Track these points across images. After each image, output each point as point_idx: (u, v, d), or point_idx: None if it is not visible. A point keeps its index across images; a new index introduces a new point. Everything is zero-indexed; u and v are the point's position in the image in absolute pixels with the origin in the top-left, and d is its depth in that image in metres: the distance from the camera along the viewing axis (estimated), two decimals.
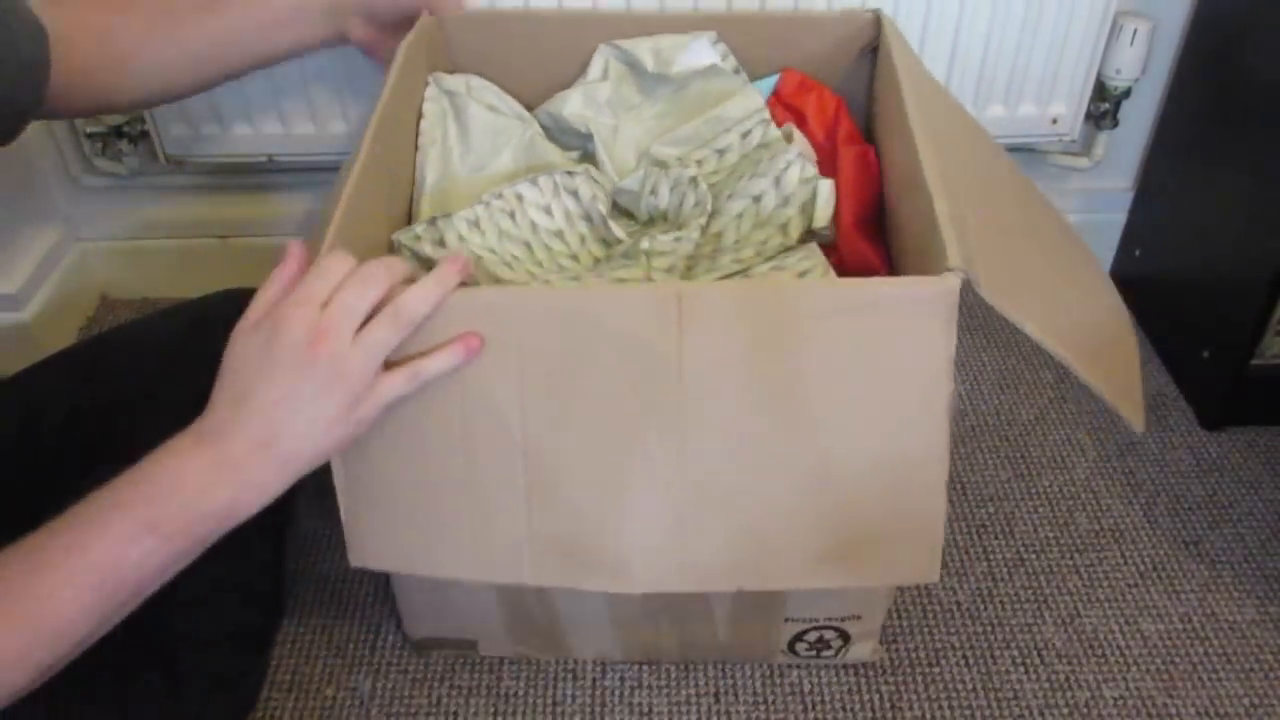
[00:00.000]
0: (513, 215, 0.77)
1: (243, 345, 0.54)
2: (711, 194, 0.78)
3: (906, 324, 0.56)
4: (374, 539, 0.62)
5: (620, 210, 0.83)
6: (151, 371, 0.74)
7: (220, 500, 0.52)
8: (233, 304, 0.80)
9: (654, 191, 0.79)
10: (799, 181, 0.76)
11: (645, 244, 0.74)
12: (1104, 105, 1.09)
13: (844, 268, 0.76)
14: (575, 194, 0.79)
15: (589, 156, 0.86)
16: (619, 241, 0.77)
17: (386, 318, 0.54)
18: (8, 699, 0.48)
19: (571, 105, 0.85)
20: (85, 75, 0.71)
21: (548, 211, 0.78)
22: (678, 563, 0.60)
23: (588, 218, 0.79)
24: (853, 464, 0.59)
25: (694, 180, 0.78)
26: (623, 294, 0.58)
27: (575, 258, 0.78)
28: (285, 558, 0.85)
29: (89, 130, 1.08)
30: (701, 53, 0.84)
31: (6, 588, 0.48)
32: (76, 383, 0.73)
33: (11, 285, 1.10)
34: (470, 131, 0.84)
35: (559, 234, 0.78)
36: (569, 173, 0.79)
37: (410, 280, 0.56)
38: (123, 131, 1.07)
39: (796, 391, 0.58)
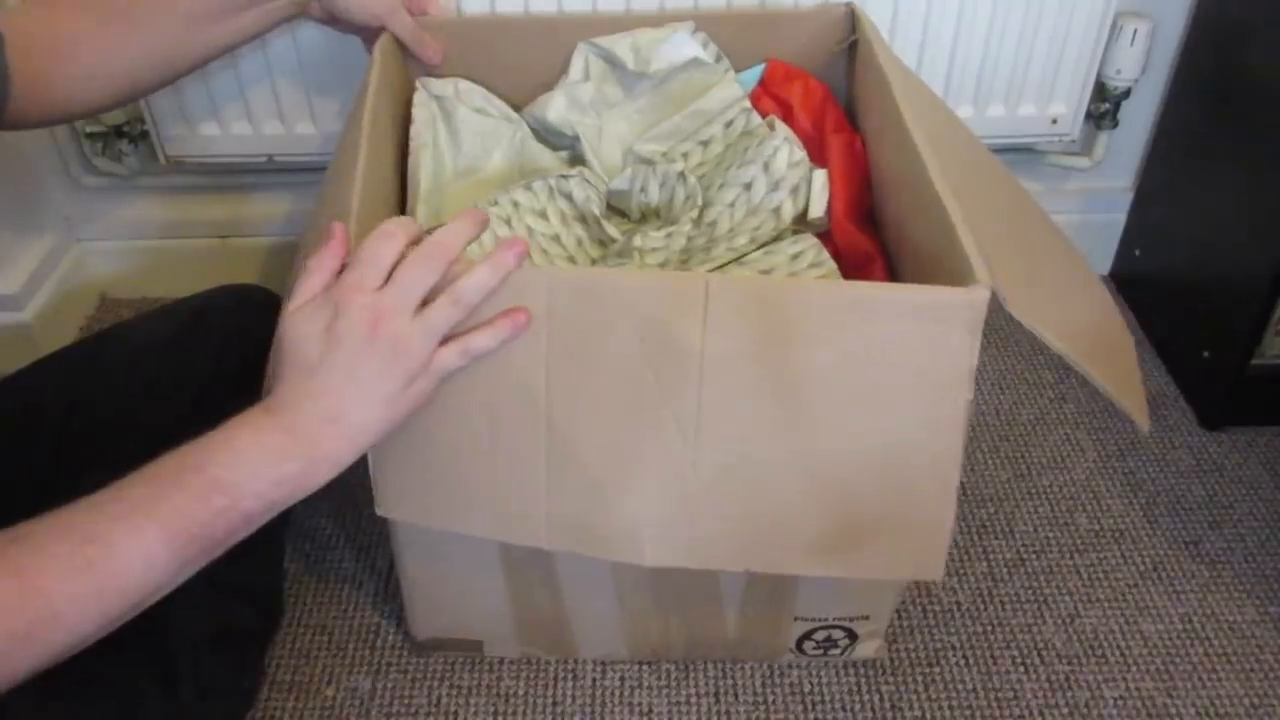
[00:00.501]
0: (509, 222, 0.77)
1: (299, 326, 0.54)
2: (701, 185, 0.78)
3: (932, 332, 0.56)
4: (401, 493, 0.64)
5: (615, 210, 0.83)
6: (151, 367, 0.74)
7: (291, 469, 0.53)
8: (233, 298, 0.81)
9: (644, 189, 0.80)
10: (788, 165, 0.76)
11: (638, 241, 0.74)
12: (1104, 105, 1.09)
13: (839, 255, 0.76)
14: (569, 197, 0.79)
15: (578, 156, 0.86)
16: (614, 241, 0.77)
17: (445, 302, 0.55)
18: (77, 645, 0.49)
19: (555, 109, 0.85)
20: (42, 84, 0.68)
21: (543, 216, 0.78)
22: (687, 540, 0.61)
23: (583, 219, 0.79)
24: (867, 464, 0.59)
25: (681, 175, 0.78)
26: (652, 279, 0.59)
27: (573, 259, 0.78)
28: (284, 558, 0.85)
29: (89, 130, 1.08)
30: (683, 45, 0.84)
31: (79, 535, 0.49)
32: (76, 379, 0.74)
33: (11, 285, 1.10)
34: (460, 134, 0.84)
35: (555, 238, 0.79)
36: (564, 176, 0.79)
37: (468, 242, 0.57)
38: (123, 131, 1.07)
39: (817, 389, 0.58)
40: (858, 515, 0.61)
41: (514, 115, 0.87)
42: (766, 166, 0.76)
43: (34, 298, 1.12)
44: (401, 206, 0.81)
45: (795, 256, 0.73)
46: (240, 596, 0.74)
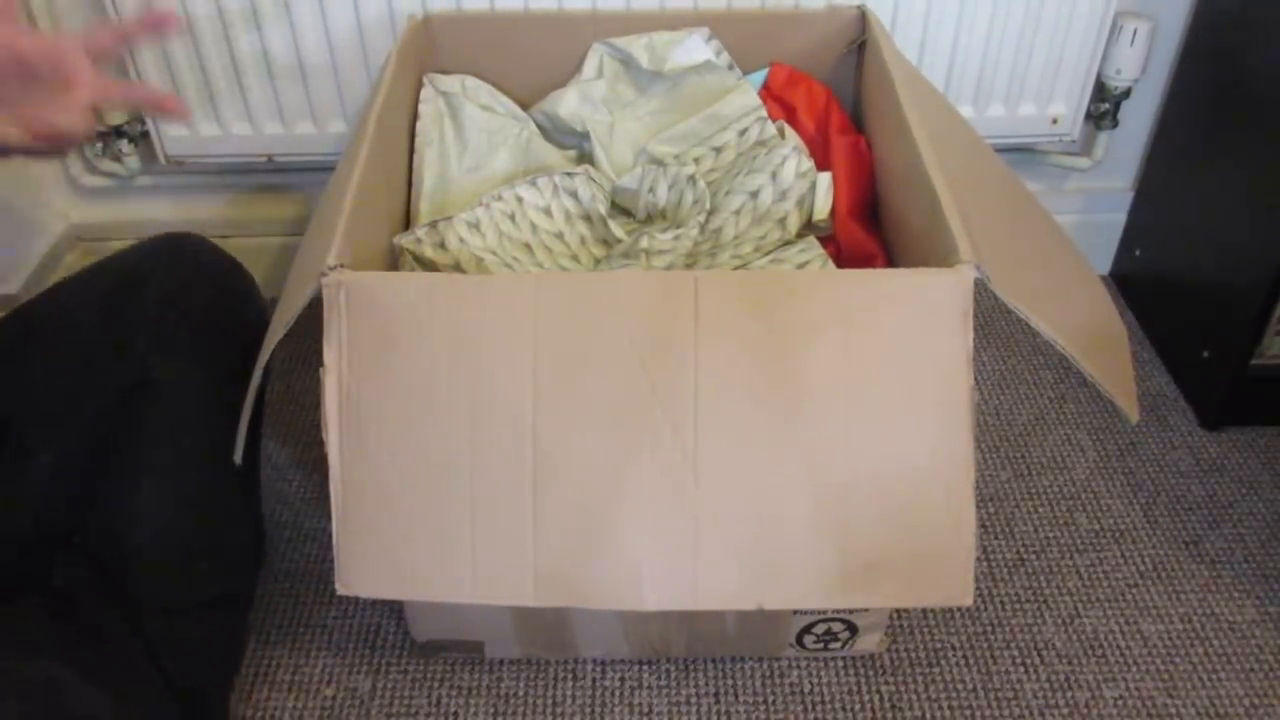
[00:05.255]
0: (513, 217, 0.77)
1: None
2: (710, 191, 0.78)
3: (923, 315, 0.56)
4: (368, 561, 0.60)
5: (619, 208, 0.83)
6: (87, 339, 0.70)
7: None
8: (165, 254, 0.74)
9: (652, 190, 0.79)
10: (796, 175, 0.76)
11: (645, 242, 0.74)
12: (1104, 105, 1.09)
13: (841, 256, 0.76)
14: (574, 195, 0.79)
15: (585, 155, 0.86)
16: (619, 241, 0.77)
17: None
18: None
19: (567, 104, 0.85)
20: None
21: (547, 213, 0.78)
22: (691, 576, 0.58)
23: (587, 218, 0.79)
24: (874, 466, 0.58)
25: (692, 178, 0.78)
26: (640, 280, 0.58)
27: (576, 258, 0.78)
28: (262, 516, 0.83)
29: None
30: (695, 49, 0.84)
31: None
32: (11, 361, 0.70)
33: (11, 285, 1.10)
34: (466, 132, 0.84)
35: (559, 235, 0.79)
36: (568, 174, 0.79)
37: None
38: (123, 131, 1.07)
39: (814, 387, 0.57)
40: (872, 531, 0.58)
41: (521, 113, 0.87)
42: (774, 175, 0.76)
43: None
44: (407, 202, 0.81)
45: (802, 266, 0.73)
46: (211, 564, 0.73)
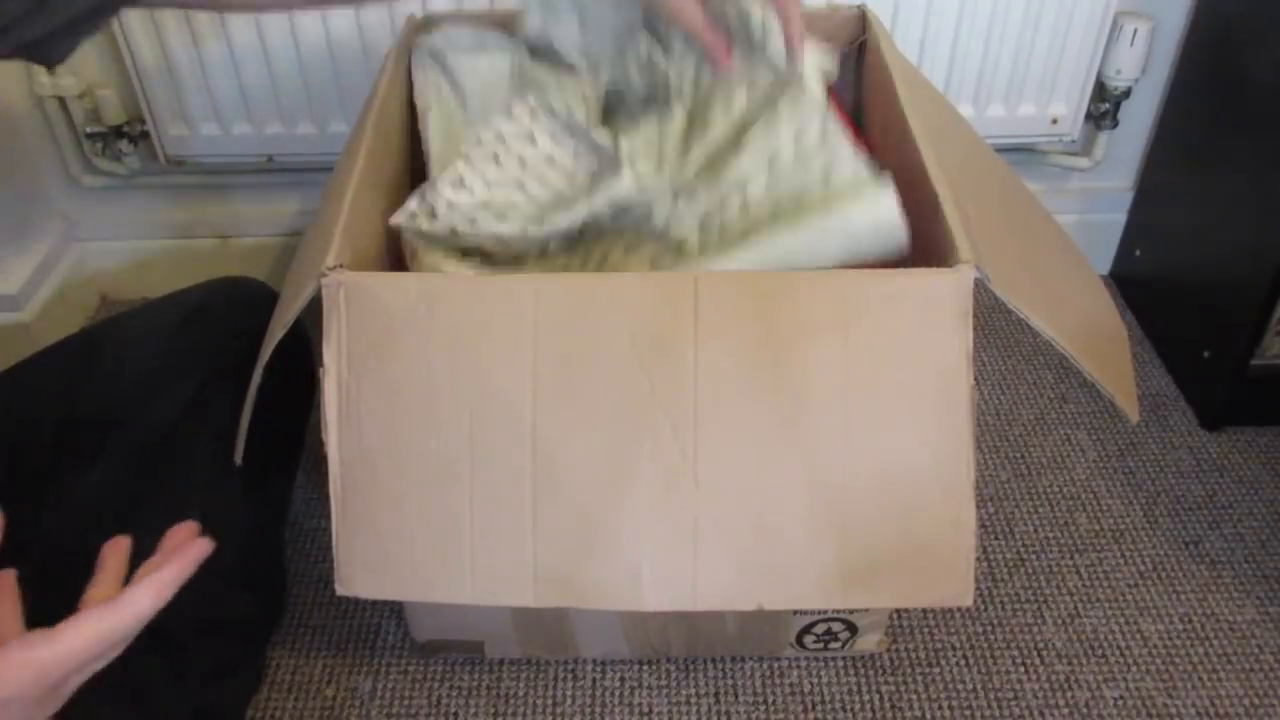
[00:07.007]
0: (497, 158, 0.74)
1: None
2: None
3: (923, 315, 0.56)
4: (368, 562, 0.60)
5: (611, 109, 0.80)
6: (149, 361, 0.74)
7: None
8: (229, 291, 0.80)
9: (630, 81, 0.78)
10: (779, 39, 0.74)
11: (624, 145, 0.72)
12: (1104, 105, 1.09)
13: None
14: (551, 110, 0.76)
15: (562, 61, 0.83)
16: (603, 148, 0.74)
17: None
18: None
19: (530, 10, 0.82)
20: None
21: (531, 140, 0.74)
22: (691, 580, 0.58)
23: (571, 130, 0.77)
24: (874, 466, 0.57)
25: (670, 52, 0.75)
26: (640, 281, 0.58)
27: (572, 177, 0.75)
28: (284, 553, 0.85)
29: (89, 130, 1.08)
30: None
31: None
32: (75, 375, 0.73)
33: (11, 285, 1.10)
34: (462, 84, 0.81)
35: (550, 159, 0.75)
36: (539, 91, 0.77)
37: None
38: (123, 131, 1.08)
39: (813, 385, 0.57)
40: (871, 532, 0.58)
41: (507, 42, 0.83)
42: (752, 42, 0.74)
43: (34, 298, 1.12)
44: (411, 177, 0.80)
45: (798, 136, 0.69)
46: (243, 587, 0.75)
